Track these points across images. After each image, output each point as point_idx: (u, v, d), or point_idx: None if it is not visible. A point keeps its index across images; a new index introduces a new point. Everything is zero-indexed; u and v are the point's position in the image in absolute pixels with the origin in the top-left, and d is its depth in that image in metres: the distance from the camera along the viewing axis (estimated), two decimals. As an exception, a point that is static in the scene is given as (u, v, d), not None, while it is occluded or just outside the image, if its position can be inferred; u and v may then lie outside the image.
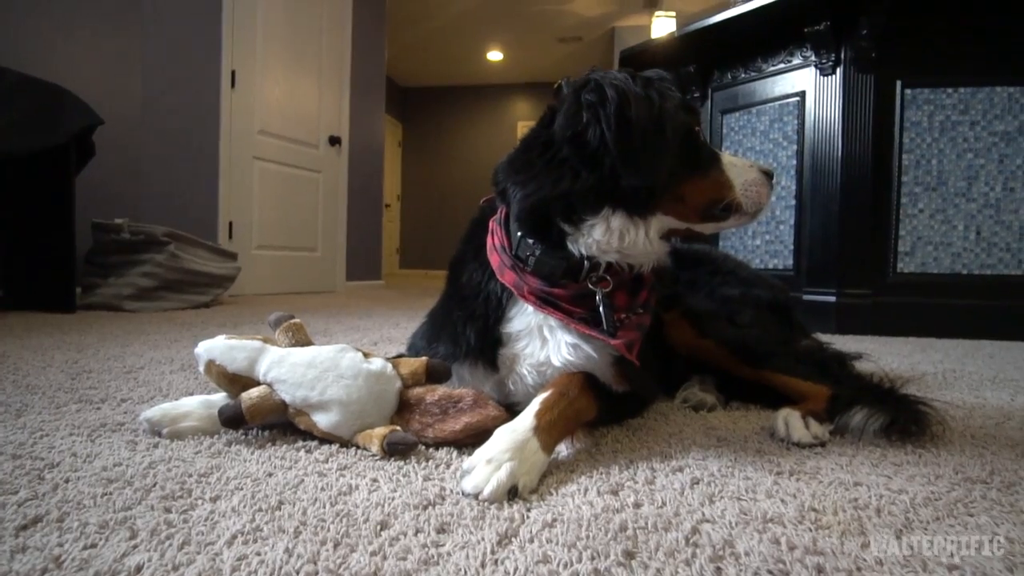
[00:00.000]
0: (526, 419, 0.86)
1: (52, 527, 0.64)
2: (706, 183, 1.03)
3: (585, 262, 0.97)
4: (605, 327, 0.96)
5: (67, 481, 0.76)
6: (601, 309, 0.97)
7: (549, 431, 0.85)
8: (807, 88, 2.98)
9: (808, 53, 2.95)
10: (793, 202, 3.07)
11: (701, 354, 1.29)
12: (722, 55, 3.36)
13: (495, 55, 9.76)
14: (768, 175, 1.07)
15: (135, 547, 0.60)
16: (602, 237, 0.96)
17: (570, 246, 0.98)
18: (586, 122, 0.93)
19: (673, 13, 6.54)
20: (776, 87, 3.13)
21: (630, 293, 1.03)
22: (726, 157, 1.06)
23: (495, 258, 1.04)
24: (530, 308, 1.00)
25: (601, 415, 1.00)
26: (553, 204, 0.96)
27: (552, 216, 0.97)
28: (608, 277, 0.99)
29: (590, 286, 0.98)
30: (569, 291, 0.98)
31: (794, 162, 3.06)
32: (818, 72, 2.92)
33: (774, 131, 3.15)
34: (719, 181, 1.03)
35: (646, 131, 0.92)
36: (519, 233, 1.01)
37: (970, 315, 2.74)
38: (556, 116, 0.98)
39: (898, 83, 2.81)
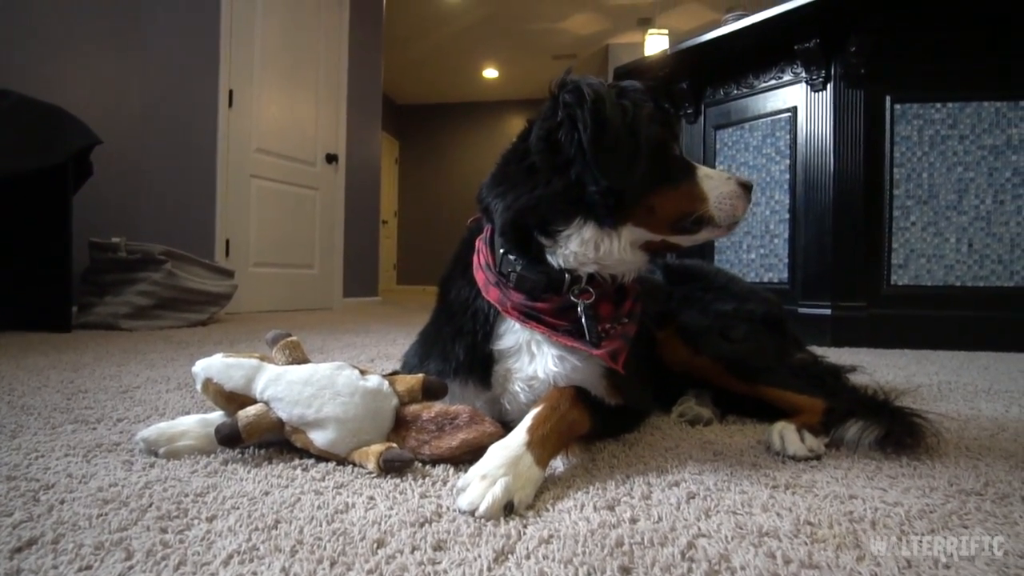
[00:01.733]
0: (519, 435, 0.86)
1: (47, 549, 0.63)
2: (677, 195, 1.03)
3: (566, 275, 0.99)
4: (588, 338, 0.97)
5: (62, 502, 0.76)
6: (583, 320, 0.98)
7: (542, 445, 0.85)
8: (798, 104, 3.03)
9: (799, 69, 3.00)
10: (787, 216, 3.10)
11: (696, 371, 1.29)
12: (714, 72, 3.41)
13: (491, 72, 9.88)
14: (746, 187, 1.07)
15: (131, 568, 0.60)
16: (578, 248, 0.98)
17: (549, 259, 1.00)
18: (560, 121, 0.96)
19: (666, 31, 6.65)
20: (768, 103, 3.17)
21: (615, 303, 1.04)
22: (702, 170, 1.07)
23: (480, 276, 1.06)
24: (518, 324, 1.02)
25: (595, 428, 1.00)
26: (529, 215, 0.98)
27: (530, 229, 0.99)
28: (590, 289, 1.00)
29: (572, 298, 0.99)
30: (552, 304, 0.99)
31: (787, 176, 3.09)
32: (809, 88, 2.96)
33: (767, 146, 3.19)
34: (691, 193, 1.03)
35: (619, 134, 0.94)
36: (502, 250, 1.03)
37: (964, 327, 2.75)
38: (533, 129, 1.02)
39: (887, 98, 2.85)
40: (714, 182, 1.05)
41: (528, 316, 1.00)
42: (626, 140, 0.94)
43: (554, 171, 0.97)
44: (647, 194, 0.99)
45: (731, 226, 1.06)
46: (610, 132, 0.93)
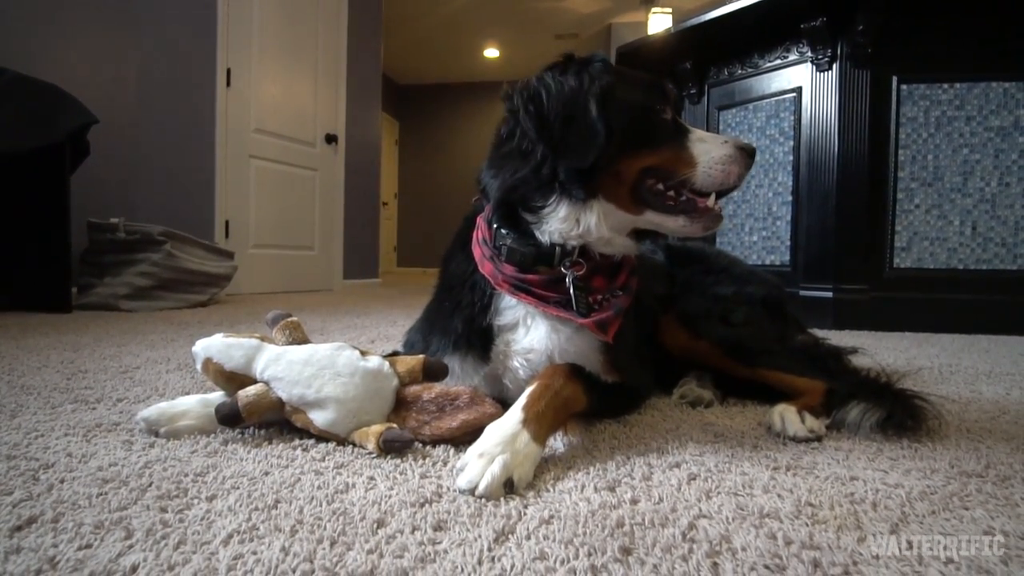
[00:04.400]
0: (515, 413, 0.86)
1: (47, 528, 0.63)
2: (647, 155, 1.00)
3: (556, 248, 1.01)
4: (576, 309, 0.98)
5: (62, 481, 0.76)
6: (571, 292, 0.99)
7: (539, 422, 0.86)
8: (803, 84, 2.98)
9: (804, 49, 2.95)
10: (790, 198, 3.07)
11: (695, 355, 1.29)
12: (718, 51, 3.36)
13: (492, 52, 9.76)
14: (745, 151, 1.01)
15: (131, 547, 0.60)
16: (559, 225, 0.99)
17: (536, 234, 1.01)
18: (512, 126, 1.03)
19: (669, 9, 6.55)
20: (772, 83, 3.13)
21: (609, 276, 1.05)
22: (697, 133, 1.03)
23: (478, 251, 1.08)
24: (514, 299, 1.03)
25: (592, 406, 1.00)
26: (512, 193, 1.02)
27: (515, 206, 1.02)
28: (582, 261, 1.01)
29: (563, 270, 1.00)
30: (543, 276, 1.01)
31: (791, 158, 3.06)
32: (814, 68, 2.92)
33: (771, 127, 3.15)
34: (677, 157, 1.00)
35: (558, 122, 0.97)
36: (495, 225, 1.05)
37: (966, 310, 2.74)
38: None
39: (894, 79, 2.81)
40: (707, 146, 1.01)
41: (518, 288, 1.01)
42: (567, 125, 0.96)
43: (523, 157, 1.01)
44: (617, 161, 0.99)
45: (710, 222, 1.02)
46: (554, 124, 0.97)
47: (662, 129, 1.03)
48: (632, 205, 1.01)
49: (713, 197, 1.02)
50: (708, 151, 1.00)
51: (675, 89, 1.07)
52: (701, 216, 1.01)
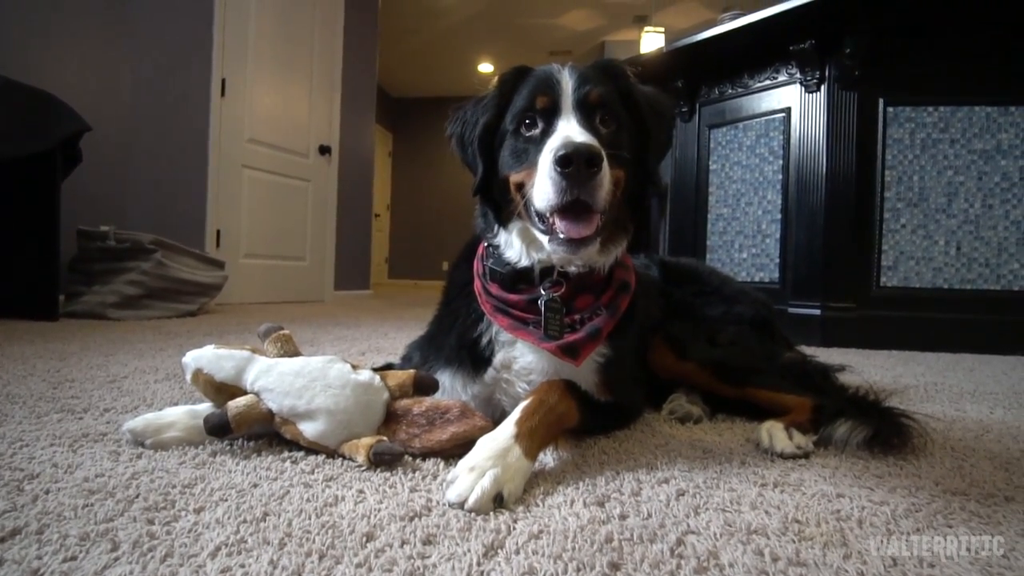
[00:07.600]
0: (507, 427, 0.86)
1: (31, 539, 0.63)
2: (514, 174, 0.98)
3: (536, 266, 1.02)
4: (545, 332, 0.99)
5: (47, 492, 0.75)
6: (543, 313, 0.99)
7: (531, 437, 0.86)
8: (792, 104, 3.04)
9: (793, 70, 3.01)
10: (779, 216, 3.11)
11: (683, 376, 1.29)
12: (709, 71, 3.41)
13: (486, 67, 9.84)
14: (558, 160, 0.85)
15: (117, 559, 0.59)
16: (510, 251, 1.03)
17: (508, 255, 1.04)
18: None
19: (662, 29, 6.65)
20: (762, 103, 3.18)
21: (596, 294, 1.05)
22: (552, 139, 0.91)
23: (477, 265, 1.10)
24: (493, 321, 1.05)
25: (584, 423, 1.01)
26: (478, 232, 1.10)
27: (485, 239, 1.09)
28: (563, 280, 1.01)
29: (542, 291, 1.01)
30: (523, 297, 1.01)
31: (780, 177, 3.11)
32: (803, 89, 2.98)
33: (760, 146, 3.20)
34: (528, 169, 0.94)
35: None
36: (485, 243, 1.09)
37: (951, 329, 2.78)
38: None
39: (880, 101, 2.86)
40: (543, 155, 0.90)
41: (496, 308, 1.03)
42: (466, 162, 1.09)
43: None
44: (503, 183, 1.02)
45: (568, 250, 0.91)
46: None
47: (524, 143, 0.98)
48: (531, 223, 0.98)
49: (597, 218, 0.90)
50: (543, 160, 0.89)
51: (554, 82, 0.98)
52: (556, 238, 0.91)
